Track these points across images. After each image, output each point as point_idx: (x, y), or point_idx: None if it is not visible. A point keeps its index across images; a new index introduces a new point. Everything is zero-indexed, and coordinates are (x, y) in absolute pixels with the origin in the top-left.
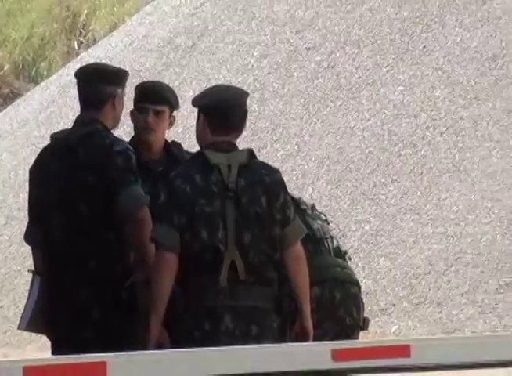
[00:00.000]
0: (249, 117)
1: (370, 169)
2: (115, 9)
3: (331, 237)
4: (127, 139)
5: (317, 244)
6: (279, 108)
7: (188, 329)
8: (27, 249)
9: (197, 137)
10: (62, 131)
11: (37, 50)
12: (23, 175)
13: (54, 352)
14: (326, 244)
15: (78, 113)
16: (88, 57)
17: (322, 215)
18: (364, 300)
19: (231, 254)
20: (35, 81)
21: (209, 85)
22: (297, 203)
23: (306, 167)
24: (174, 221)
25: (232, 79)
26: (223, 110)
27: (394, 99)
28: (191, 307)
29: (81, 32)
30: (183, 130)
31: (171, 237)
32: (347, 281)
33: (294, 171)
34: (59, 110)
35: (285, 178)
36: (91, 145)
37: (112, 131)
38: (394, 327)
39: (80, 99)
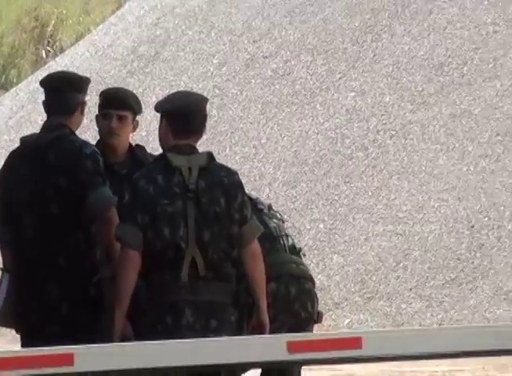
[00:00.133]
0: (209, 122)
1: (324, 171)
2: (81, 19)
3: (287, 235)
4: (93, 142)
5: (273, 241)
6: (237, 113)
7: (151, 322)
8: None
9: (160, 140)
10: (31, 135)
11: (7, 58)
12: None
13: (23, 346)
14: (281, 241)
15: (45, 119)
16: (55, 65)
17: (278, 215)
18: (318, 295)
19: (191, 251)
20: (5, 87)
21: (171, 92)
22: (254, 203)
23: (263, 169)
24: (138, 220)
25: (192, 86)
26: (184, 114)
27: (346, 105)
28: (154, 302)
29: (48, 41)
30: (147, 134)
31: (135, 236)
32: (301, 277)
33: (252, 172)
34: (28, 115)
35: (243, 180)
36: (61, 148)
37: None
38: (347, 321)
39: (47, 106)
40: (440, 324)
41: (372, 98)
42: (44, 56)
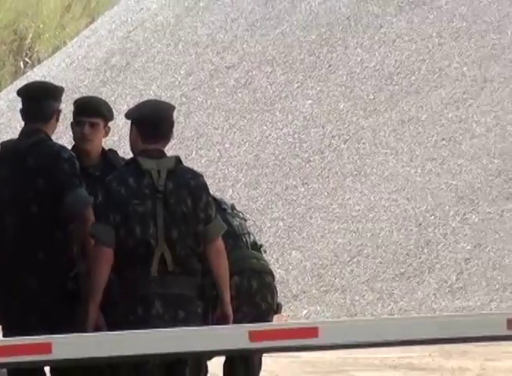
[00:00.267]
0: (176, 128)
1: (283, 173)
2: (57, 33)
3: (248, 233)
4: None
5: (236, 238)
6: (202, 120)
7: (123, 313)
8: None
9: (130, 145)
10: (10, 141)
11: None
12: None
13: (5, 336)
14: (244, 238)
15: (23, 125)
16: (33, 76)
17: (241, 214)
18: (277, 288)
19: (161, 248)
20: None
21: (141, 100)
22: (218, 203)
23: (226, 171)
24: (111, 219)
25: (161, 94)
26: (152, 121)
27: (303, 112)
28: (126, 294)
29: (26, 53)
30: (119, 139)
31: (108, 234)
32: (262, 271)
33: (216, 175)
34: (8, 121)
35: (208, 182)
36: (40, 152)
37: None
38: (304, 311)
39: (25, 113)
40: (390, 315)
41: (327, 105)
42: (22, 66)
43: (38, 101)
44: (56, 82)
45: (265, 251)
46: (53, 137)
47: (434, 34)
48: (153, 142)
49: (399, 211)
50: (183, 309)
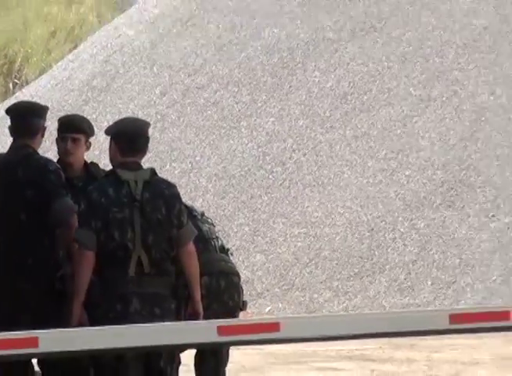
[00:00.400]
0: (151, 142)
1: (248, 183)
2: (44, 57)
3: (217, 237)
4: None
5: (206, 243)
6: (175, 135)
7: (104, 311)
8: None
9: (110, 158)
10: (0, 155)
11: None
12: None
13: None
14: (213, 242)
15: (12, 141)
16: (21, 96)
17: (210, 220)
18: (243, 287)
19: (138, 251)
20: None
21: (120, 117)
22: (189, 210)
23: (197, 182)
24: (92, 225)
25: (138, 112)
26: (130, 136)
27: (267, 128)
28: (106, 294)
29: (16, 75)
30: (99, 152)
31: (90, 238)
32: (230, 272)
33: (188, 185)
34: None
35: (180, 191)
36: (29, 165)
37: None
38: (268, 308)
39: (13, 130)
40: (345, 311)
41: (288, 122)
42: (11, 87)
43: (26, 119)
44: (43, 102)
45: (232, 254)
46: (40, 151)
47: (384, 57)
48: (131, 156)
49: (353, 218)
50: (158, 307)
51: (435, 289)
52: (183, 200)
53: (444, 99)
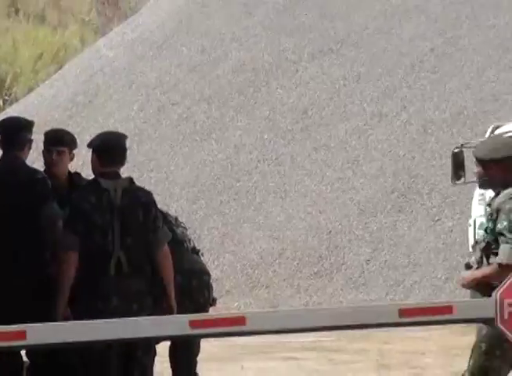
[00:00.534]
0: (129, 154)
1: (218, 190)
2: (31, 76)
3: (189, 240)
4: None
5: (179, 245)
6: (152, 147)
7: (86, 307)
8: None
9: (92, 169)
10: None
11: None
12: None
13: None
14: (185, 245)
15: (2, 153)
16: (11, 112)
17: (183, 224)
18: (213, 285)
19: (117, 253)
20: None
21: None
22: (164, 215)
23: (172, 189)
24: (76, 229)
25: (118, 127)
26: (109, 149)
27: (235, 140)
28: (88, 291)
29: (6, 93)
30: (82, 163)
31: (73, 241)
32: (201, 272)
33: (163, 192)
34: None
35: (156, 198)
36: (20, 174)
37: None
38: (236, 304)
39: (3, 142)
40: (306, 306)
41: (254, 135)
42: (1, 104)
43: (14, 132)
44: (31, 117)
45: (203, 255)
46: (28, 162)
47: (340, 77)
48: (110, 166)
49: (313, 222)
50: (136, 303)
51: (387, 286)
52: (158, 206)
53: (394, 114)
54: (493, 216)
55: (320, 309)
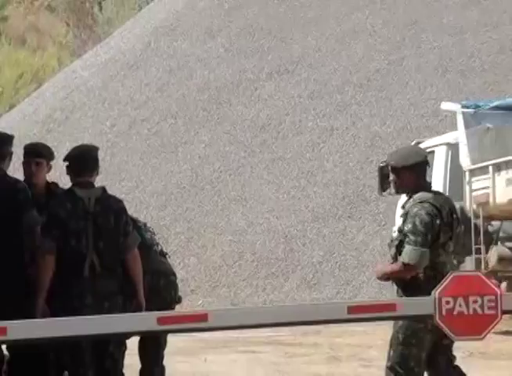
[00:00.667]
0: (103, 165)
1: (184, 198)
2: (13, 94)
3: (157, 244)
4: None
5: (148, 248)
6: (123, 159)
7: (62, 305)
8: None
9: (70, 178)
10: None
11: None
12: None
13: None
14: (154, 248)
15: None
16: None
17: (151, 229)
18: (179, 284)
19: (91, 256)
20: None
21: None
22: (134, 221)
23: (141, 198)
24: (53, 234)
25: (92, 140)
26: (82, 160)
27: (199, 153)
28: (64, 291)
29: None
30: (59, 174)
31: (51, 245)
32: (168, 272)
33: (134, 200)
34: None
35: (126, 206)
36: (2, 184)
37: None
38: (200, 302)
39: None
40: (264, 304)
41: (216, 148)
42: None
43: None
44: (12, 132)
45: (170, 257)
46: (8, 172)
47: (295, 94)
48: (84, 176)
49: (270, 227)
50: (108, 301)
51: (337, 285)
52: (129, 212)
53: (344, 128)
54: (404, 218)
55: (277, 307)
